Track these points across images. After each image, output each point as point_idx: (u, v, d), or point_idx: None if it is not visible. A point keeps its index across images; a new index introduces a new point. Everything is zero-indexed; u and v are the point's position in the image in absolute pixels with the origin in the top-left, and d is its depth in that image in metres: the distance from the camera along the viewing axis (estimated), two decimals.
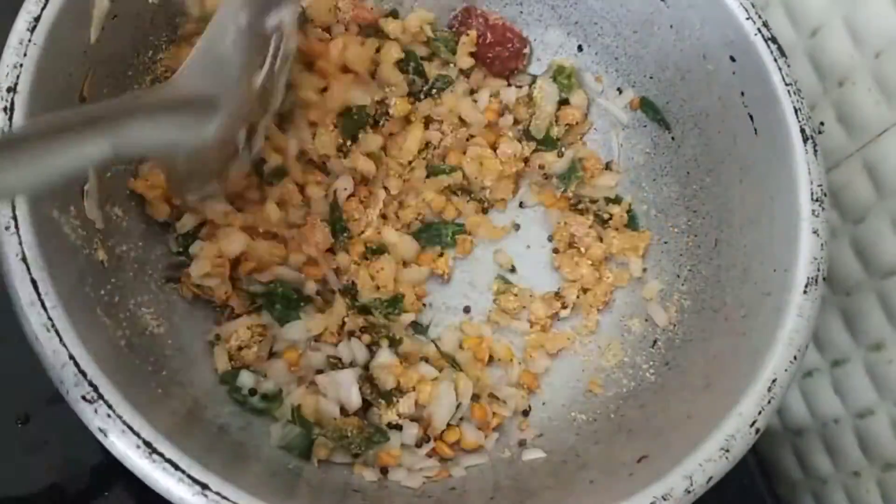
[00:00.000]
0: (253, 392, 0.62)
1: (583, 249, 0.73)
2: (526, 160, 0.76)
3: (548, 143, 0.76)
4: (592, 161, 0.76)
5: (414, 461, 0.63)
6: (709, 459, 0.51)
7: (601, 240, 0.74)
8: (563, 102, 0.77)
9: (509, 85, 0.78)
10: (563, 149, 0.76)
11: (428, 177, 0.74)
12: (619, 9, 0.72)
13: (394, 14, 0.76)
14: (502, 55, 0.76)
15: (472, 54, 0.76)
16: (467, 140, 0.75)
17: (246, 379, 0.63)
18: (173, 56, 0.66)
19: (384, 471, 0.62)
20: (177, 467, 0.46)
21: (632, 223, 0.74)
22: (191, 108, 0.53)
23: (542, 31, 0.77)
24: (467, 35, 0.75)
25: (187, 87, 0.53)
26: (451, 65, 0.76)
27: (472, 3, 0.77)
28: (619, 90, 0.76)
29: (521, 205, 0.76)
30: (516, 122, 0.77)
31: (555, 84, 0.76)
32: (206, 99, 0.53)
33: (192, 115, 0.53)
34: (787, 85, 0.61)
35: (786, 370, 0.53)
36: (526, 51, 0.77)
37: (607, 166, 0.77)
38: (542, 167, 0.75)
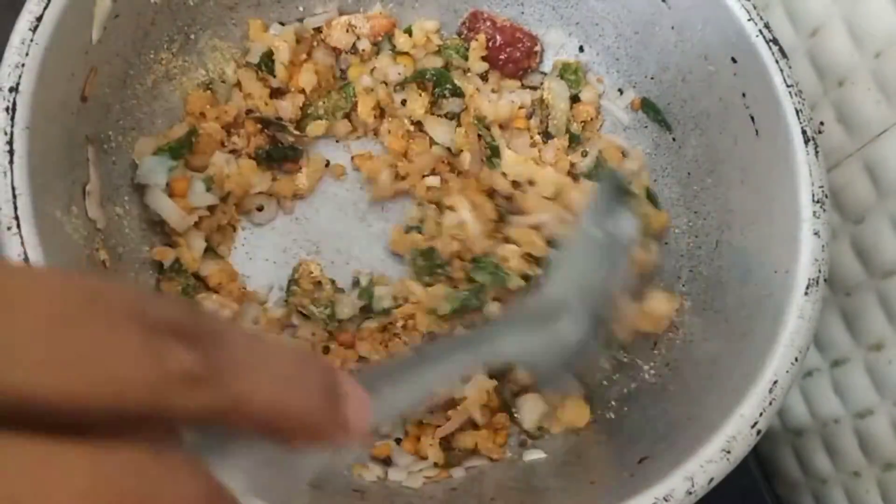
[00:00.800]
0: None
1: None
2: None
3: (571, 139, 0.76)
4: (612, 151, 0.75)
5: (409, 462, 0.63)
6: (710, 460, 0.51)
7: None
8: (574, 100, 0.77)
9: (523, 87, 0.78)
10: (585, 146, 0.76)
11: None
12: (621, 10, 0.72)
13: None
14: (514, 56, 0.76)
15: (483, 58, 0.76)
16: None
17: None
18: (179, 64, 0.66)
19: (387, 461, 0.62)
20: None
21: (652, 201, 0.74)
22: (548, 315, 0.54)
23: (544, 31, 0.77)
24: (476, 40, 0.75)
25: (549, 296, 0.56)
26: (466, 72, 0.76)
27: (477, 7, 0.77)
28: (620, 91, 0.76)
29: None
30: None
31: (563, 81, 0.76)
32: (560, 304, 0.55)
33: (548, 321, 0.54)
34: (788, 86, 0.61)
35: (787, 371, 0.53)
36: (537, 48, 0.77)
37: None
38: (572, 165, 0.75)
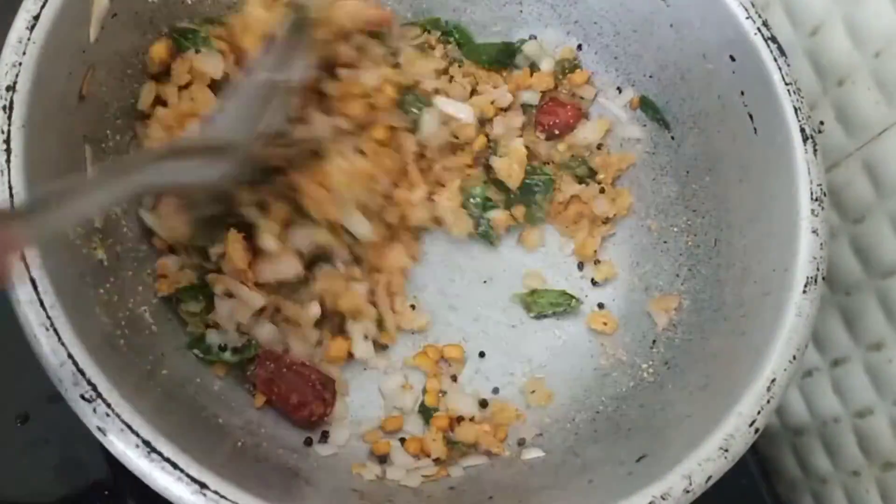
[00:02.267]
0: (223, 348, 0.63)
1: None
2: None
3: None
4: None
5: (407, 462, 0.63)
6: (708, 459, 0.51)
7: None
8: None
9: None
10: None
11: None
12: (619, 8, 0.72)
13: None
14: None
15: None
16: None
17: (214, 338, 0.63)
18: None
19: (383, 459, 0.63)
20: (175, 466, 0.46)
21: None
22: (210, 152, 0.58)
23: (542, 30, 0.77)
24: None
25: (209, 136, 0.60)
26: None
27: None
28: (619, 89, 0.76)
29: None
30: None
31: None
32: (224, 144, 0.58)
33: (210, 157, 0.57)
34: (786, 84, 0.61)
35: (785, 370, 0.53)
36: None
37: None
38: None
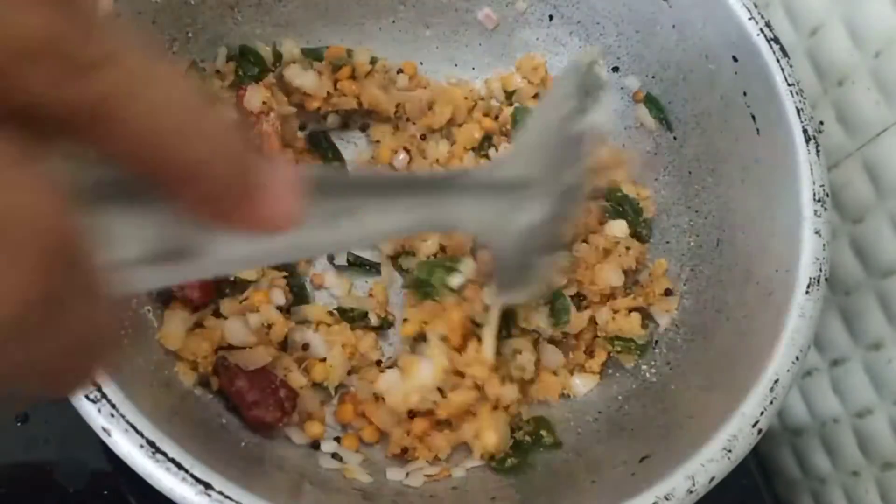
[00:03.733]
0: None
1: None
2: None
3: None
4: None
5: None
6: (711, 459, 0.51)
7: None
8: None
9: None
10: None
11: None
12: (622, 8, 0.72)
13: None
14: None
15: None
16: None
17: None
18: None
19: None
20: (180, 467, 0.46)
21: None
22: (508, 189, 0.51)
23: (545, 30, 0.77)
24: None
25: (508, 170, 0.52)
26: None
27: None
28: (622, 89, 0.76)
29: None
30: None
31: None
32: (522, 181, 0.51)
33: (508, 196, 0.51)
34: (789, 85, 0.61)
35: (788, 370, 0.53)
36: None
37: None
38: None
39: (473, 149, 0.75)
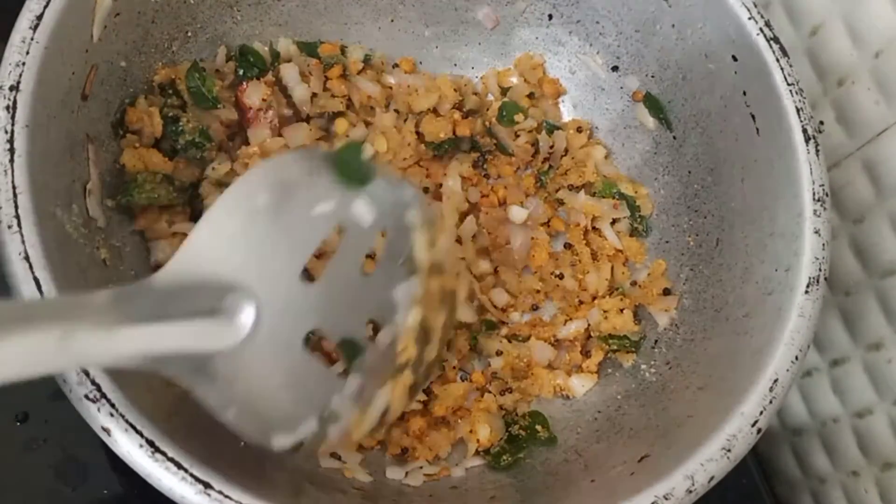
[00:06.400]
0: None
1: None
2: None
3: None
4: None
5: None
6: (710, 459, 0.51)
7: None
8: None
9: None
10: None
11: None
12: (621, 8, 0.72)
13: None
14: None
15: None
16: None
17: None
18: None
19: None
20: (180, 466, 0.46)
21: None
22: (204, 295, 0.45)
23: (544, 29, 0.77)
24: None
25: (186, 271, 0.45)
26: None
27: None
28: (621, 88, 0.76)
29: None
30: None
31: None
32: (221, 285, 0.46)
33: (210, 302, 0.45)
34: (789, 85, 0.61)
35: (787, 370, 0.53)
36: None
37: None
38: None
39: (436, 146, 0.74)
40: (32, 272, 0.48)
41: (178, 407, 0.53)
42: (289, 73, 0.71)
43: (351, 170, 0.53)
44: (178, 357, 0.44)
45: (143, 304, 0.42)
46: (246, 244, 0.47)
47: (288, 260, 0.49)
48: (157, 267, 0.63)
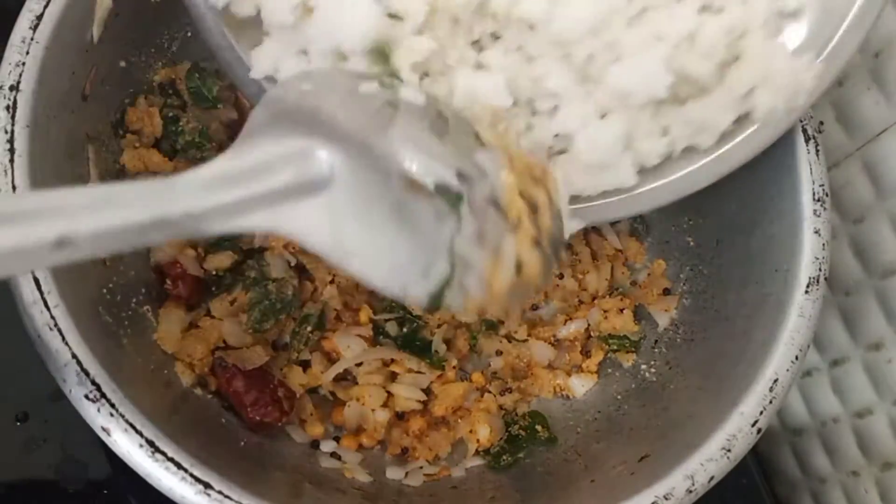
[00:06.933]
0: None
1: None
2: None
3: None
4: None
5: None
6: (710, 459, 0.51)
7: None
8: None
9: None
10: None
11: None
12: None
13: None
14: None
15: None
16: None
17: None
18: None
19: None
20: (179, 466, 0.46)
21: None
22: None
23: None
24: None
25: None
26: None
27: None
28: None
29: None
30: None
31: None
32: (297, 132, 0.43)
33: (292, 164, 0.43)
34: None
35: (787, 370, 0.53)
36: None
37: None
38: None
39: None
40: (32, 272, 0.48)
41: (177, 407, 0.53)
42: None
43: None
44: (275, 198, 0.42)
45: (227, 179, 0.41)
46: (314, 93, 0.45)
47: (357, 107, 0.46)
48: (158, 267, 0.63)
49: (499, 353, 0.69)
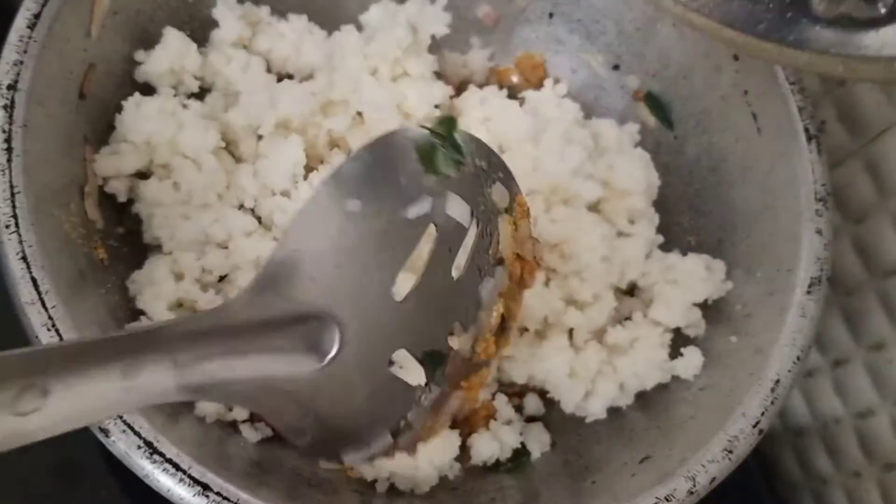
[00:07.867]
0: None
1: None
2: None
3: None
4: None
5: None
6: (712, 460, 0.51)
7: None
8: None
9: None
10: None
11: None
12: (622, 6, 0.72)
13: None
14: None
15: None
16: None
17: None
18: None
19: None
20: (178, 467, 0.46)
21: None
22: (284, 328, 0.43)
23: (545, 28, 0.77)
24: None
25: (273, 304, 0.43)
26: None
27: None
28: (622, 87, 0.76)
29: None
30: None
31: None
32: (309, 315, 0.43)
33: (289, 337, 0.43)
34: (790, 84, 0.61)
35: (789, 371, 0.53)
36: None
37: None
38: None
39: None
40: (30, 272, 0.47)
41: (176, 408, 0.53)
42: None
43: (439, 154, 0.46)
44: (251, 383, 0.43)
45: (214, 342, 0.41)
46: (334, 262, 0.44)
47: (379, 277, 0.45)
48: None
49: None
